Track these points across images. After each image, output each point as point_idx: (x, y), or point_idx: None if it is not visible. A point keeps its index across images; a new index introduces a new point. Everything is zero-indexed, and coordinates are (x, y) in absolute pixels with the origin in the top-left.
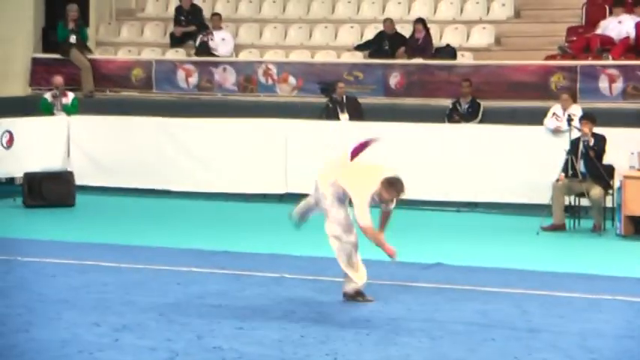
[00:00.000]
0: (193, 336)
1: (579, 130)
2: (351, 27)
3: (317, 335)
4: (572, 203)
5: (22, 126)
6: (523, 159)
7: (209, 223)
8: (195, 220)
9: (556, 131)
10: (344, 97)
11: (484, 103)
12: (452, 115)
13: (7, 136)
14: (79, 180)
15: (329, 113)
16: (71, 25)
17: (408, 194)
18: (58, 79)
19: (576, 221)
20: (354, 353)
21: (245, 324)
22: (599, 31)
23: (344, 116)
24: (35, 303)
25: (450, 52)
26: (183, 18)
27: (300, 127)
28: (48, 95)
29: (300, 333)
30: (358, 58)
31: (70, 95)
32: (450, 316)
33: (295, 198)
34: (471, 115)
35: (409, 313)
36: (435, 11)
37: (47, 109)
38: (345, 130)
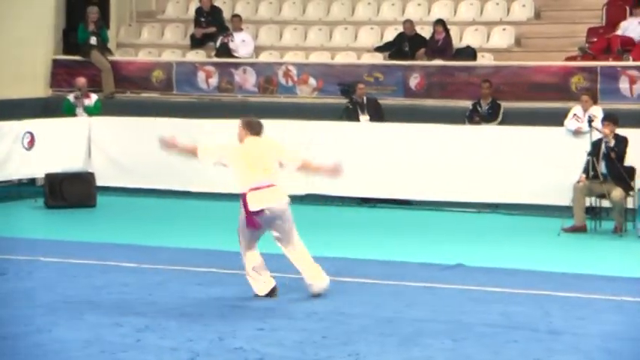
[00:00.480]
0: (215, 337)
1: (600, 131)
2: (371, 28)
3: (338, 336)
4: (593, 205)
5: (42, 127)
6: (544, 160)
7: (229, 224)
8: (215, 220)
9: (577, 132)
10: (364, 98)
11: (504, 104)
12: (472, 117)
13: (28, 137)
14: (100, 181)
15: (349, 114)
16: (91, 27)
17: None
18: (81, 81)
19: (597, 223)
20: (376, 354)
21: (266, 325)
22: (619, 31)
23: (364, 118)
24: (58, 303)
25: (470, 53)
26: (203, 19)
27: (320, 128)
28: (70, 96)
29: (322, 334)
30: (378, 59)
31: (93, 97)
32: (472, 318)
33: (316, 199)
34: (491, 116)
35: (431, 314)
36: (455, 12)
37: (70, 111)
38: (366, 131)
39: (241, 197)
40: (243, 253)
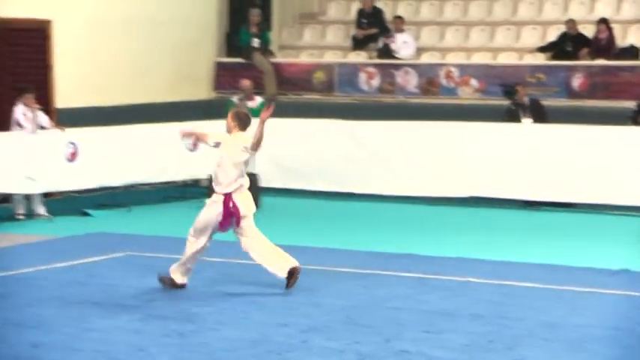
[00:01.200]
0: (380, 339)
1: None
2: (534, 28)
3: (504, 340)
4: None
5: (207, 129)
6: None
7: (393, 225)
8: (379, 222)
9: None
10: (526, 99)
11: None
12: (636, 117)
13: (193, 139)
14: (264, 182)
15: (511, 116)
16: (254, 29)
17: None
18: (246, 83)
19: None
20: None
21: (432, 328)
22: None
23: (527, 119)
24: (224, 302)
25: (633, 52)
26: (365, 21)
27: (482, 130)
28: (235, 98)
29: (488, 338)
30: (540, 59)
31: (258, 99)
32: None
33: (480, 201)
34: None
35: (596, 320)
36: (618, 11)
37: None
38: (528, 133)
39: (225, 196)
40: (194, 237)
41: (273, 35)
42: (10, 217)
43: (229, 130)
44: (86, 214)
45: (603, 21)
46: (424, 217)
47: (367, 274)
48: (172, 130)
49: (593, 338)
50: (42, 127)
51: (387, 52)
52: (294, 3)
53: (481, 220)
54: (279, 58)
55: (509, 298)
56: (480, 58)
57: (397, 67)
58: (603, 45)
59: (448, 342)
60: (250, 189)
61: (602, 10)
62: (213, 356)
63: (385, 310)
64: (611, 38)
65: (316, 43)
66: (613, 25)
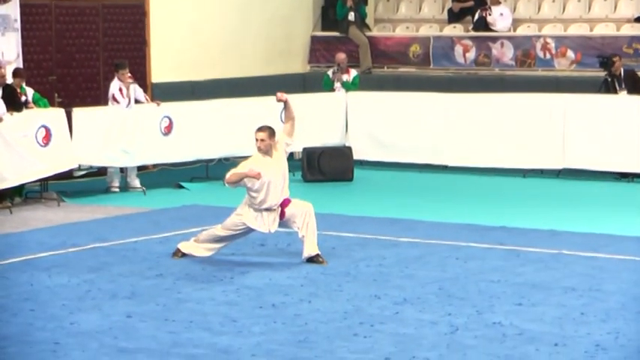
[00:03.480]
0: (473, 311)
1: None
2: None
3: (597, 313)
4: None
5: (300, 102)
6: None
7: (486, 198)
8: (471, 195)
9: None
10: (622, 71)
11: None
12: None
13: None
14: (357, 155)
15: (608, 87)
16: (350, 3)
17: None
18: (341, 56)
19: None
20: (636, 332)
21: (524, 300)
22: None
23: (622, 91)
24: (317, 275)
25: None
26: None
27: (578, 101)
28: (329, 72)
29: (580, 310)
30: (638, 30)
31: (352, 72)
32: None
33: (573, 174)
34: None
35: None
36: None
37: (328, 86)
38: (624, 105)
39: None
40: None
41: (369, 9)
42: (106, 190)
43: (268, 151)
44: (180, 187)
45: None
46: (517, 189)
47: (460, 246)
48: (266, 103)
49: None
50: (137, 102)
51: (483, 24)
52: None
53: (574, 193)
54: (375, 32)
55: (601, 271)
56: (576, 30)
57: (493, 39)
58: None
59: (540, 314)
60: (344, 161)
61: None
62: (305, 328)
63: (478, 282)
64: None
65: (412, 16)
66: None
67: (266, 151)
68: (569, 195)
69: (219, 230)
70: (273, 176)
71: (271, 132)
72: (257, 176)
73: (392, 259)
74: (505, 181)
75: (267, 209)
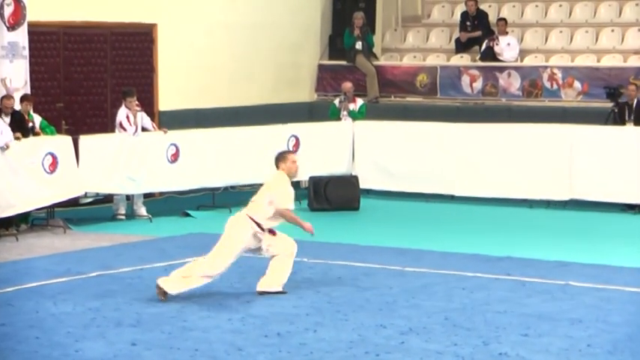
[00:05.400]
0: (479, 342)
1: None
2: (639, 30)
3: (604, 345)
4: None
5: (307, 131)
6: None
7: (492, 228)
8: (478, 225)
9: None
10: (635, 100)
11: None
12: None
13: (293, 140)
14: (364, 184)
15: (615, 118)
16: (357, 32)
17: None
18: (347, 85)
19: None
20: None
21: (530, 331)
22: None
23: (630, 123)
24: (323, 304)
25: None
26: (468, 23)
27: (585, 132)
28: (336, 101)
29: (587, 342)
30: None
31: (359, 101)
32: None
33: (580, 205)
34: None
35: None
36: None
37: (335, 115)
38: (631, 136)
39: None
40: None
41: (377, 38)
42: (112, 217)
43: (294, 174)
44: (187, 215)
45: None
46: (524, 220)
47: (466, 276)
48: (273, 132)
49: None
50: (145, 129)
51: (490, 54)
52: (397, 6)
53: (581, 224)
54: (383, 61)
55: (608, 302)
56: (583, 61)
57: (500, 69)
58: None
59: (547, 345)
60: (350, 190)
61: None
62: (311, 357)
63: (484, 312)
64: None
65: (419, 45)
66: None
67: (294, 175)
68: (575, 226)
69: None
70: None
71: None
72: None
73: (398, 289)
74: (511, 211)
75: None
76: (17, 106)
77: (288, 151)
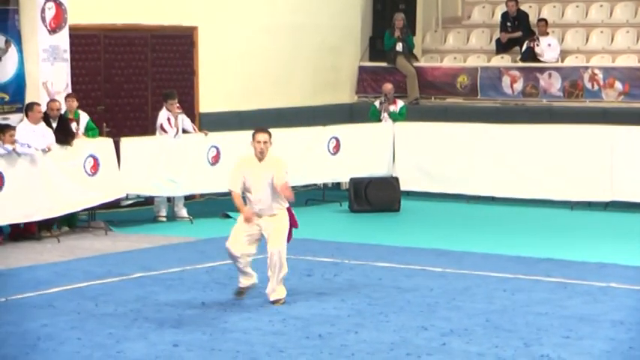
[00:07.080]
0: (520, 343)
1: None
2: None
3: None
4: None
5: (348, 133)
6: None
7: (533, 230)
8: (519, 226)
9: None
10: None
11: None
12: None
13: (333, 142)
14: (404, 185)
15: None
16: (397, 34)
17: None
18: (388, 87)
19: None
20: None
21: (572, 333)
22: None
23: None
24: (364, 305)
25: None
26: (509, 24)
27: (626, 133)
28: (377, 102)
29: (629, 344)
30: None
31: (399, 103)
32: None
33: (621, 206)
34: None
35: None
36: None
37: (375, 116)
38: None
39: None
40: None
41: (417, 39)
42: (153, 219)
43: (258, 155)
44: (227, 217)
45: None
46: (565, 221)
47: (507, 277)
48: (314, 133)
49: None
50: (185, 131)
51: (531, 55)
52: (438, 7)
53: (622, 225)
54: (423, 62)
55: None
56: (624, 61)
57: (541, 70)
58: None
59: (588, 348)
60: (391, 192)
61: None
62: (352, 358)
63: (525, 314)
64: None
65: (460, 47)
66: None
67: (263, 155)
68: (616, 227)
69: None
70: (257, 182)
71: (270, 135)
72: (249, 220)
73: (439, 291)
74: (552, 212)
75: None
76: (63, 107)
77: (259, 129)
